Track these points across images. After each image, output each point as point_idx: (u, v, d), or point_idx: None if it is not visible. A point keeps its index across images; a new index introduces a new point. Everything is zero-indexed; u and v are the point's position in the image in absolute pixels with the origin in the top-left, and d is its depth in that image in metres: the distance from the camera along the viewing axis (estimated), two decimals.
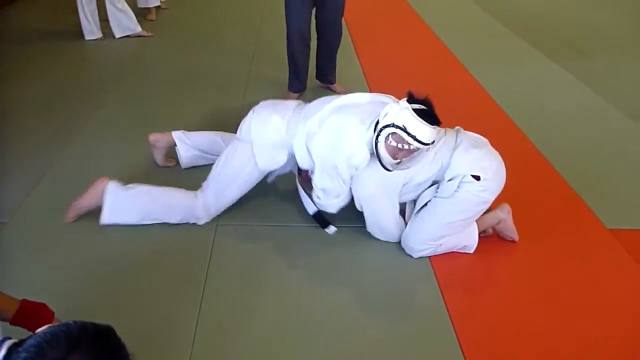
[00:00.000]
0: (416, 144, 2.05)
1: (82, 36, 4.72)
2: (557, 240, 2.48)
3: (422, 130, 2.03)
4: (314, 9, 3.60)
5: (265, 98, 2.61)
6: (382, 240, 2.39)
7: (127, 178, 2.71)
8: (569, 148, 3.32)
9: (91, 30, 4.74)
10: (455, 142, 2.25)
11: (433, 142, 2.10)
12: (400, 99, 2.18)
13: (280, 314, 1.99)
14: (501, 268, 2.32)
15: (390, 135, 2.08)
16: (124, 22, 4.83)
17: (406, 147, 2.07)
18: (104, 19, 4.80)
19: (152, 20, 5.44)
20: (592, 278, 2.27)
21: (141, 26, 4.91)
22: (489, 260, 2.34)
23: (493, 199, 2.26)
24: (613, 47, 5.54)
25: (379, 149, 2.13)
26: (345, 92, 2.47)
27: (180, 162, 2.83)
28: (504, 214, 2.42)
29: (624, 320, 2.07)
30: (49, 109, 3.48)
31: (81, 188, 2.40)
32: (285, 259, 2.27)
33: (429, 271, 2.24)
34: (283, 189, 2.71)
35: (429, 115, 2.05)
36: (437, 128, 2.09)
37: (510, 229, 2.43)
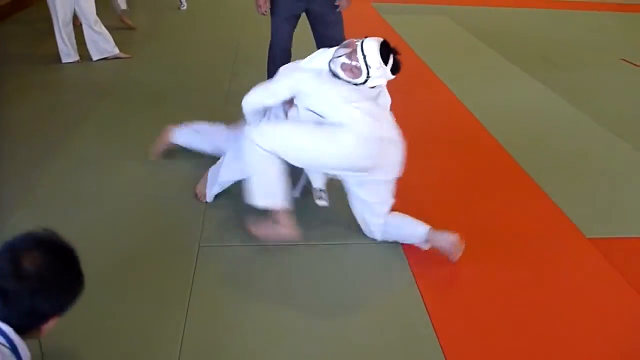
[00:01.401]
0: (362, 63, 2.26)
1: (59, 59, 4.69)
2: (537, 250, 2.51)
3: (374, 58, 2.26)
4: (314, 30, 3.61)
5: None
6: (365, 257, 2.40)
7: (108, 200, 2.71)
8: (546, 159, 3.37)
9: (68, 53, 4.71)
10: None
11: (371, 76, 2.27)
12: None
13: (266, 334, 1.98)
14: (483, 276, 2.33)
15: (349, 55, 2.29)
16: (101, 45, 4.81)
17: (354, 63, 2.27)
18: (81, 42, 4.77)
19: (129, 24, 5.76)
20: (572, 286, 2.29)
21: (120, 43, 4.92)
22: (472, 269, 2.35)
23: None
24: (586, 60, 5.68)
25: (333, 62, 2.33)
26: None
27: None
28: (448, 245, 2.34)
29: (606, 327, 2.09)
30: (25, 132, 3.43)
31: (57, 216, 2.36)
32: (270, 281, 2.26)
33: (412, 283, 2.25)
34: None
35: (388, 54, 2.29)
36: (386, 69, 2.29)
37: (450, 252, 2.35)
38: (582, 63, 5.60)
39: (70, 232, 2.41)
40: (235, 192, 2.81)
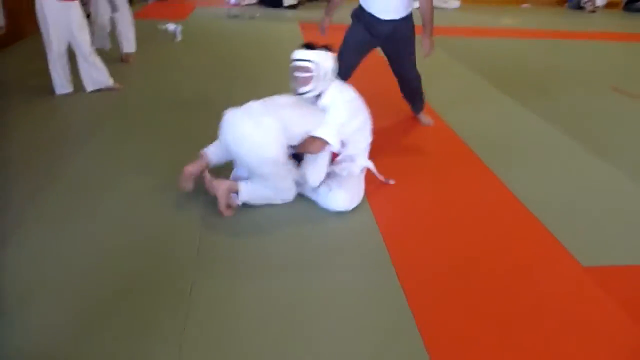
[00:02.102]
0: (295, 63, 2.92)
1: (53, 91, 4.70)
2: (534, 280, 2.50)
3: (297, 50, 2.93)
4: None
5: None
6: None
7: (102, 232, 2.68)
8: (541, 188, 3.38)
9: (62, 84, 4.72)
10: None
11: (309, 61, 2.89)
12: None
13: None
14: (479, 307, 2.30)
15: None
16: (95, 76, 4.82)
17: (295, 73, 2.94)
18: (75, 73, 4.78)
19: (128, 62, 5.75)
20: (570, 316, 2.28)
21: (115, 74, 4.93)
22: (468, 299, 2.33)
23: None
24: (577, 88, 5.74)
25: None
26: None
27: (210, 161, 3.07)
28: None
29: (604, 357, 2.07)
30: (19, 165, 3.42)
31: (51, 248, 2.34)
32: (265, 314, 2.23)
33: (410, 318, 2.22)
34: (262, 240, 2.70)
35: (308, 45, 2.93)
36: (314, 51, 2.91)
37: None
38: (573, 91, 5.65)
39: (63, 265, 2.41)
40: (229, 221, 2.81)
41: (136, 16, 9.31)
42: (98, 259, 2.49)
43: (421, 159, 3.69)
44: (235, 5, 9.76)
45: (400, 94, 4.25)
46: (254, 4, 10.37)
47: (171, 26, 7.38)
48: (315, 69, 2.91)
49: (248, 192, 2.88)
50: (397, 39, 3.84)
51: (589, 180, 3.55)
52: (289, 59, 3.07)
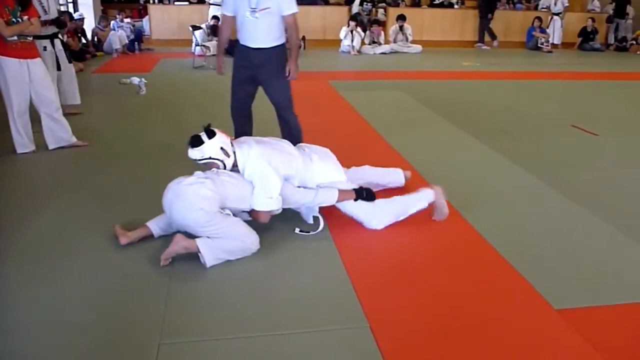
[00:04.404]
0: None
1: (14, 150, 4.60)
2: (506, 325, 2.47)
3: (189, 151, 3.15)
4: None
5: None
6: None
7: (63, 294, 2.59)
8: (510, 230, 3.39)
9: (23, 143, 4.62)
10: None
11: (203, 159, 3.13)
12: None
13: None
14: (451, 355, 2.27)
15: None
16: (59, 133, 4.75)
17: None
18: (37, 130, 4.71)
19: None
20: None
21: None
22: (440, 348, 2.29)
23: None
24: (539, 128, 5.88)
25: None
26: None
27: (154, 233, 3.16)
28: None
29: None
30: None
31: (12, 312, 2.23)
32: None
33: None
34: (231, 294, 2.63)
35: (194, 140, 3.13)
36: (200, 148, 3.11)
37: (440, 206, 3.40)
38: (534, 130, 5.78)
39: (24, 328, 2.31)
40: (197, 279, 2.74)
41: (100, 70, 9.41)
42: (57, 331, 2.38)
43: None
44: (201, 56, 9.82)
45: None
46: None
47: (135, 79, 7.39)
48: (211, 159, 3.14)
49: (208, 245, 2.85)
50: (267, 67, 4.11)
51: (556, 219, 3.57)
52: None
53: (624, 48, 14.59)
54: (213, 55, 10.31)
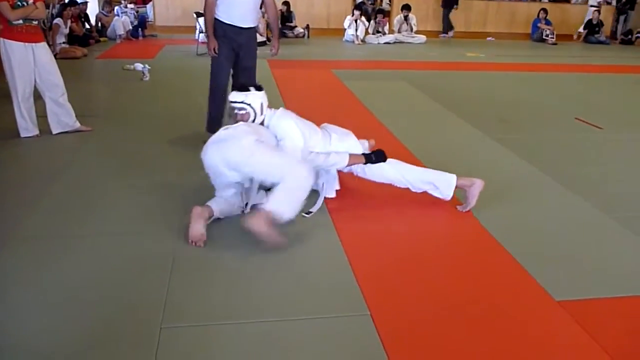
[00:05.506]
0: (232, 105, 3.32)
1: (18, 134, 4.61)
2: (507, 316, 2.47)
3: (232, 94, 3.37)
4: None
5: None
6: None
7: (66, 279, 2.60)
8: (511, 221, 3.40)
9: (27, 127, 4.63)
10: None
11: (244, 103, 3.27)
12: None
13: None
14: (453, 347, 2.28)
15: None
16: (63, 118, 4.75)
17: (234, 112, 3.31)
18: (41, 115, 4.71)
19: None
20: (544, 353, 2.25)
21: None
22: (441, 339, 2.30)
23: None
24: (542, 121, 5.87)
25: None
26: None
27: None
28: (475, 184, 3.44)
29: None
30: None
31: (17, 296, 2.24)
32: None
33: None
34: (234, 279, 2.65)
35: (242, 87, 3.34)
36: (247, 93, 3.29)
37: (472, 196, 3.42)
38: (539, 123, 5.77)
39: (27, 310, 2.33)
40: (199, 263, 2.75)
41: (104, 56, 9.39)
42: (59, 313, 2.40)
43: (390, 192, 3.67)
44: (204, 43, 9.77)
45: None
46: None
47: (139, 66, 7.39)
48: (249, 107, 3.29)
49: (277, 202, 2.86)
50: (250, 45, 4.53)
51: (559, 212, 3.58)
52: None
53: (630, 41, 14.53)
54: None
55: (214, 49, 4.41)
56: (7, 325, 2.29)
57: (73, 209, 3.37)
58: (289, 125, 3.31)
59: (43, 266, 2.73)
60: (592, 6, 14.54)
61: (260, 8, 4.60)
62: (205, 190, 3.22)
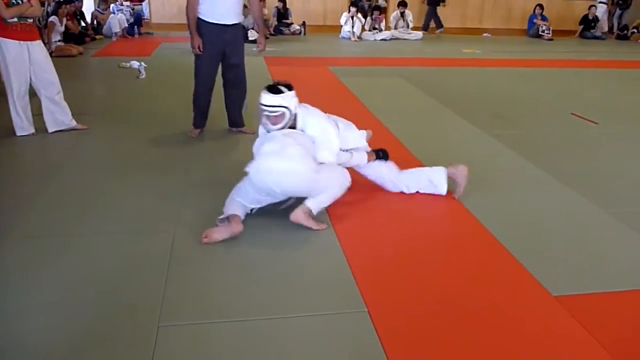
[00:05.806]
0: (262, 108, 3.10)
1: (14, 132, 4.59)
2: (503, 311, 2.48)
3: (265, 96, 3.10)
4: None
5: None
6: None
7: (63, 278, 2.60)
8: (507, 216, 3.40)
9: (22, 126, 4.61)
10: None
11: (280, 106, 3.09)
12: None
13: None
14: (448, 342, 2.28)
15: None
16: (59, 117, 4.73)
17: (265, 114, 3.12)
18: (37, 113, 4.69)
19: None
20: (541, 348, 2.26)
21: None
22: (437, 333, 2.31)
23: None
24: (538, 116, 5.87)
25: None
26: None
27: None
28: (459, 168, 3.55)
29: None
30: None
31: (12, 296, 2.23)
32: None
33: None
34: (233, 276, 2.64)
35: (273, 88, 3.13)
36: (282, 95, 3.10)
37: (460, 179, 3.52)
38: (535, 118, 5.78)
39: (23, 309, 2.32)
40: (196, 262, 2.75)
41: (100, 54, 9.37)
42: (56, 312, 2.39)
43: (387, 189, 3.67)
44: None
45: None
46: None
47: (135, 63, 7.37)
48: (286, 109, 3.14)
49: (319, 203, 3.09)
50: (237, 42, 4.54)
51: (555, 207, 3.58)
52: (256, 98, 3.14)
53: (625, 36, 14.55)
54: None
55: (198, 47, 4.40)
56: (4, 324, 2.29)
57: (69, 207, 3.36)
58: (323, 127, 3.25)
59: (40, 265, 2.72)
60: (600, 2, 14.56)
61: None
62: (202, 187, 3.23)
